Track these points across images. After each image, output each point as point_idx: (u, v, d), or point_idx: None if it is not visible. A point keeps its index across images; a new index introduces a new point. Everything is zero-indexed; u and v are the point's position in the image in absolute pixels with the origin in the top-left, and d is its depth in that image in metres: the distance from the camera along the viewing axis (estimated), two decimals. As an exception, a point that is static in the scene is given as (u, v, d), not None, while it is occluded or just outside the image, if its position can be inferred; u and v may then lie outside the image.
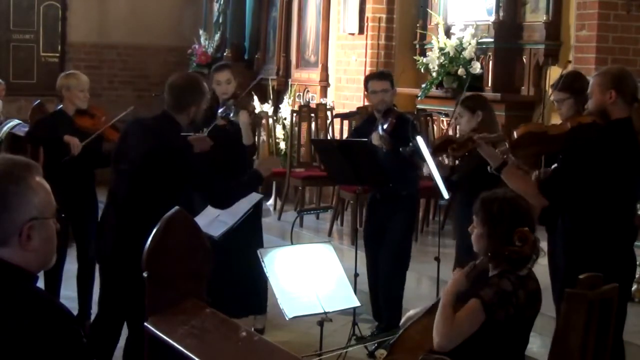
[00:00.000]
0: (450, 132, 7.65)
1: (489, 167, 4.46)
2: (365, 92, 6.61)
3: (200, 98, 4.80)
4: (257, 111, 6.78)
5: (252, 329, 6.07)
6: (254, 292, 6.13)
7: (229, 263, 6.08)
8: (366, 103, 9.79)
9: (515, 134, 4.37)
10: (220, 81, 6.28)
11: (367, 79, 6.37)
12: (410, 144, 5.71)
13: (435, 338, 3.52)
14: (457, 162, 5.79)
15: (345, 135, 9.83)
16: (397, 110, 6.29)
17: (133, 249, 4.71)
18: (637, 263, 5.54)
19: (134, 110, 6.47)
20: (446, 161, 5.82)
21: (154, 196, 4.65)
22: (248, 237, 5.92)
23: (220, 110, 6.17)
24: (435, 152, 5.30)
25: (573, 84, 4.81)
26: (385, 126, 6.00)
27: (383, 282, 6.15)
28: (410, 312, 3.97)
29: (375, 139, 5.99)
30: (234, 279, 6.14)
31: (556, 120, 5.57)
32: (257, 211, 6.42)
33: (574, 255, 4.31)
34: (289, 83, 11.39)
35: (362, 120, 6.94)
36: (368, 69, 9.96)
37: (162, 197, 4.65)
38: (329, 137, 9.62)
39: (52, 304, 2.14)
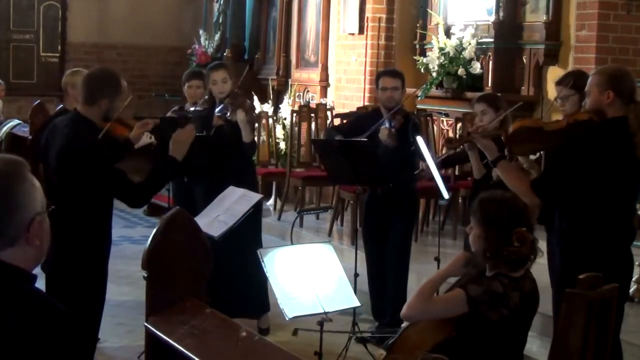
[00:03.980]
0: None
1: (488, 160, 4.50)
2: (375, 88, 6.58)
3: (114, 92, 4.64)
4: (255, 108, 6.76)
5: (257, 329, 6.08)
6: (252, 293, 6.12)
7: (226, 263, 6.09)
8: (366, 103, 9.80)
9: (510, 129, 4.37)
10: (217, 80, 6.28)
11: (379, 75, 6.34)
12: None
13: (404, 308, 3.60)
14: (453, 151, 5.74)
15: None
16: (405, 109, 6.28)
17: (70, 256, 4.59)
18: (637, 263, 5.55)
19: (131, 100, 6.39)
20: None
21: (77, 199, 4.52)
22: (247, 237, 5.91)
23: (217, 110, 6.19)
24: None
25: (578, 81, 4.81)
26: (393, 123, 6.00)
27: (391, 281, 6.16)
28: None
29: (383, 134, 5.98)
30: (231, 278, 6.14)
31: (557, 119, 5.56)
32: (256, 211, 6.42)
33: (570, 256, 4.31)
34: (289, 83, 11.39)
35: (367, 113, 6.89)
36: (368, 69, 9.96)
37: (85, 198, 4.52)
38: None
39: (51, 305, 2.14)
